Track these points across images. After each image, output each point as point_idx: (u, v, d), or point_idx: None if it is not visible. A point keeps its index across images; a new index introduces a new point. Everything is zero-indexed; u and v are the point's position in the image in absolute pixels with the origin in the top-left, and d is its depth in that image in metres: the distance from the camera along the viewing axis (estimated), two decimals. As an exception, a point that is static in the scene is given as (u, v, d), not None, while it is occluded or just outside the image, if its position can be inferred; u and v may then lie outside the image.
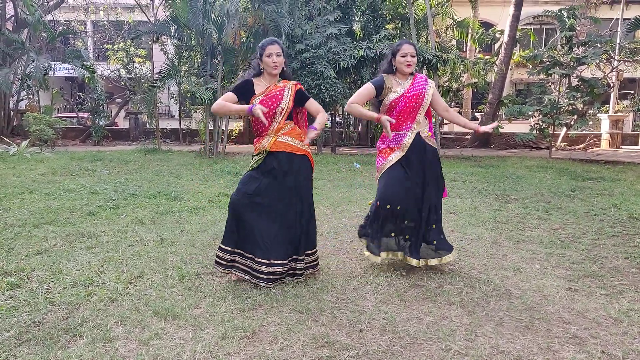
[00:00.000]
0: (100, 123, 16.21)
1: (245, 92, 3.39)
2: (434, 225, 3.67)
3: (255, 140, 3.53)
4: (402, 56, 3.55)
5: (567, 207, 6.00)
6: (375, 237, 3.63)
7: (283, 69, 3.41)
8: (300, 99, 3.48)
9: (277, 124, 3.37)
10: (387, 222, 3.60)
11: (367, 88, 3.63)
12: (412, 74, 3.68)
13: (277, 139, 3.36)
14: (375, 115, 3.66)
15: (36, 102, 16.25)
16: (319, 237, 4.27)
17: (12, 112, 16.35)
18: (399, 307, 3.04)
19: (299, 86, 3.49)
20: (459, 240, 4.58)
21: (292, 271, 3.42)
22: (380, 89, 3.60)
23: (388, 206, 3.56)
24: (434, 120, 12.87)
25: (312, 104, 3.54)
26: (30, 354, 2.40)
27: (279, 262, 3.28)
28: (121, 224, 4.93)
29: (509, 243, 4.49)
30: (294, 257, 3.40)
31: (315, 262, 3.57)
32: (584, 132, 16.84)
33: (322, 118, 3.52)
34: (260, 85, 3.40)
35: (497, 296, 3.23)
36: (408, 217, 3.58)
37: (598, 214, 5.61)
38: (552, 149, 12.87)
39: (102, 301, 3.03)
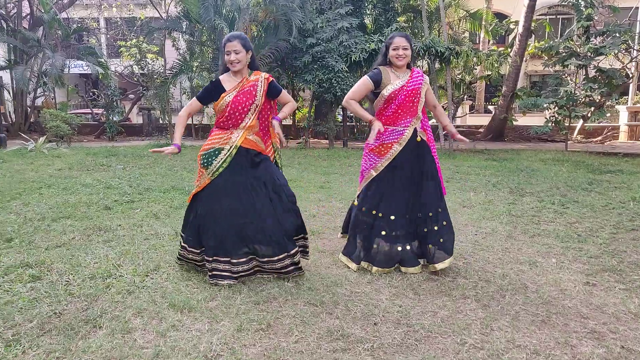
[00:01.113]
0: (114, 119, 16.35)
1: (212, 95, 3.33)
2: (435, 227, 3.52)
3: (216, 131, 3.41)
4: (393, 49, 3.48)
5: (584, 200, 5.93)
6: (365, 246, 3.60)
7: (253, 60, 3.35)
8: (272, 91, 3.44)
9: (250, 120, 3.33)
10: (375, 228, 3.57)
11: (364, 82, 3.55)
12: (409, 67, 3.61)
13: (247, 136, 3.33)
14: (369, 117, 3.55)
15: (52, 99, 16.45)
16: (332, 230, 4.25)
17: (29, 109, 16.56)
18: (414, 301, 3.04)
19: (270, 79, 3.45)
20: (473, 234, 4.55)
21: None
22: (377, 83, 3.51)
23: (374, 212, 3.57)
24: (447, 112, 12.77)
25: (284, 96, 3.53)
26: (53, 344, 2.45)
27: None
28: (136, 217, 4.98)
29: (524, 237, 4.45)
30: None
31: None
32: (601, 124, 16.56)
33: (288, 108, 3.53)
34: (230, 82, 3.33)
35: (513, 290, 3.21)
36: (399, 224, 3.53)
37: (616, 208, 5.53)
38: (568, 142, 12.70)
39: (119, 293, 3.07)
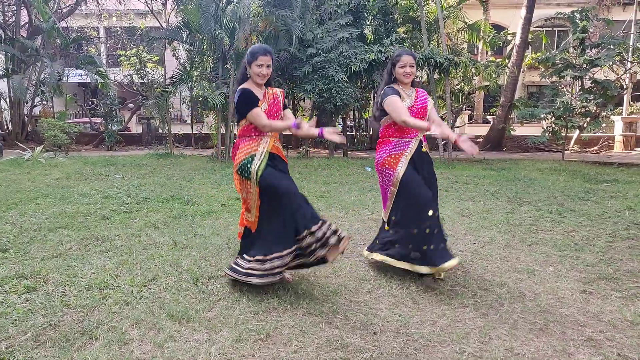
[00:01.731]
0: (113, 128, 16.35)
1: (256, 102, 3.32)
2: (436, 231, 3.52)
3: (244, 141, 3.36)
4: (401, 67, 3.57)
5: (580, 209, 5.95)
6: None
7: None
8: (284, 104, 3.51)
9: None
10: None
11: (398, 99, 3.53)
12: (412, 84, 3.72)
13: (274, 143, 3.39)
14: (425, 125, 3.45)
15: (50, 108, 16.46)
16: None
17: (26, 118, 16.56)
18: (413, 310, 3.04)
19: (284, 93, 3.55)
20: (471, 243, 4.56)
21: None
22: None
23: (430, 212, 3.46)
24: (445, 123, 12.84)
25: (288, 112, 3.55)
26: (47, 356, 2.44)
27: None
28: (135, 227, 4.98)
29: (522, 246, 4.46)
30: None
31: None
32: (597, 134, 16.66)
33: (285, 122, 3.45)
34: (257, 92, 3.34)
35: (511, 299, 3.21)
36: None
37: (612, 217, 5.55)
38: (565, 152, 12.75)
39: (117, 304, 3.06)
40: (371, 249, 3.86)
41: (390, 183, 3.62)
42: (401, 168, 3.58)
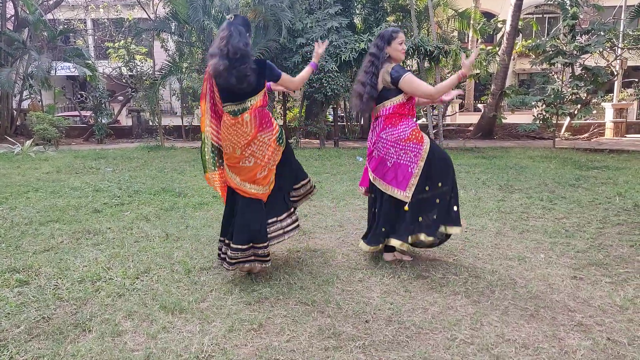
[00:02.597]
0: (103, 121, 16.23)
1: None
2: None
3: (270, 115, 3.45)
4: (399, 43, 3.49)
5: (571, 196, 5.99)
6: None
7: None
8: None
9: None
10: None
11: (414, 76, 3.46)
12: None
13: None
14: (456, 76, 3.38)
15: (39, 102, 16.29)
16: (323, 230, 4.27)
17: (15, 112, 16.41)
18: (405, 298, 3.06)
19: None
20: (463, 231, 4.58)
21: None
22: None
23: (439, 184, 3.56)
24: (436, 112, 12.84)
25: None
26: (41, 349, 2.43)
27: None
28: (126, 220, 4.96)
29: (513, 233, 4.49)
30: None
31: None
32: (587, 121, 16.75)
33: None
34: None
35: (502, 285, 3.24)
36: None
37: (603, 203, 5.60)
38: (556, 139, 12.82)
39: (109, 296, 3.05)
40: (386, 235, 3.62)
41: (419, 158, 3.47)
42: (427, 139, 3.55)
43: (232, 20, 3.22)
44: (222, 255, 3.40)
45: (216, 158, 3.45)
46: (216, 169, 3.46)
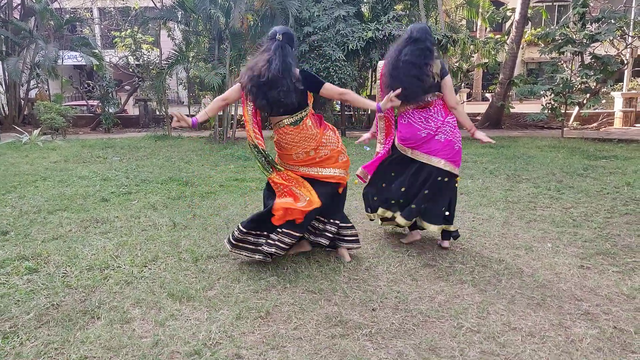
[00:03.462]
0: (110, 110, 16.25)
1: None
2: None
3: None
4: None
5: (579, 186, 5.95)
6: None
7: None
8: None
9: None
10: None
11: None
12: None
13: None
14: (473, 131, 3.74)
15: (46, 91, 16.34)
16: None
17: (22, 101, 16.47)
18: (411, 287, 3.06)
19: None
20: (470, 220, 4.57)
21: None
22: None
23: None
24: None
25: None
26: (50, 335, 2.46)
27: None
28: (134, 209, 4.99)
29: (520, 222, 4.48)
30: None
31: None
32: (596, 110, 16.59)
33: None
34: None
35: (509, 274, 3.24)
36: None
37: (611, 193, 5.56)
38: (564, 129, 12.71)
39: (117, 284, 3.08)
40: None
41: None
42: None
43: (281, 39, 3.17)
44: (264, 248, 3.32)
45: (265, 162, 3.35)
46: (272, 172, 3.36)
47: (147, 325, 2.59)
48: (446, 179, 3.59)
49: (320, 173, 3.34)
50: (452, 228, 3.71)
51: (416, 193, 3.61)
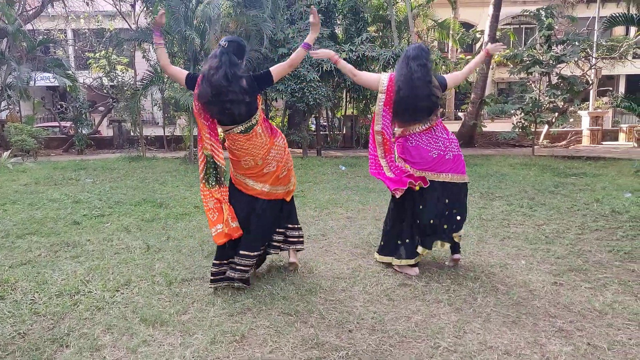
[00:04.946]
0: (83, 132, 16.02)
1: None
2: None
3: None
4: None
5: (550, 203, 6.08)
6: None
7: None
8: None
9: None
10: None
11: None
12: None
13: None
14: (483, 53, 3.89)
15: (17, 112, 16.01)
16: (306, 239, 4.26)
17: (-8, 123, 16.07)
18: (388, 307, 3.05)
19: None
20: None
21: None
22: None
23: None
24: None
25: None
26: (16, 366, 2.37)
27: None
28: (106, 232, 4.88)
29: (494, 240, 4.53)
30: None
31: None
32: (565, 129, 17.08)
33: None
34: None
35: (484, 292, 3.26)
36: None
37: (581, 209, 5.69)
38: (535, 147, 13.02)
39: (88, 310, 2.99)
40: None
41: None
42: None
43: (225, 46, 3.16)
44: (229, 274, 3.29)
45: (215, 174, 3.34)
46: (216, 185, 3.34)
47: (119, 352, 2.51)
48: (464, 189, 3.70)
49: (264, 189, 3.31)
50: (461, 232, 3.75)
51: (445, 214, 3.62)
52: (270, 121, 3.46)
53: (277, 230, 3.53)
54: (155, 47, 3.39)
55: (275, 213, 3.42)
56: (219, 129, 3.37)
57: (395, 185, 3.54)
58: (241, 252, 3.27)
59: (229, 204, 3.32)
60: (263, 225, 3.35)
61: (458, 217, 3.66)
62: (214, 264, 3.32)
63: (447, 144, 3.63)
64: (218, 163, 3.30)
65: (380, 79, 3.62)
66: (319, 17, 3.32)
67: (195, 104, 3.29)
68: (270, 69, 3.31)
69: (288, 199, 3.54)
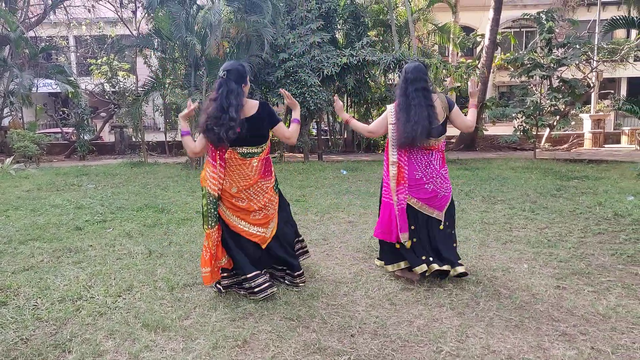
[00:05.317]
0: (85, 138, 16.05)
1: None
2: None
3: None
4: None
5: (553, 206, 6.07)
6: None
7: None
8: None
9: None
10: None
11: None
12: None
13: None
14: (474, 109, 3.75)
15: (20, 119, 16.10)
16: (307, 243, 4.27)
17: (-5, 130, 16.12)
18: (390, 311, 3.05)
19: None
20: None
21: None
22: None
23: None
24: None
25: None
26: (18, 372, 2.37)
27: None
28: (109, 237, 4.89)
29: (496, 244, 4.53)
30: None
31: None
32: (566, 132, 17.06)
33: None
34: None
35: (487, 297, 3.26)
36: None
37: (583, 213, 5.68)
38: (537, 150, 13.01)
39: (90, 315, 2.99)
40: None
41: None
42: None
43: (224, 77, 3.23)
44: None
45: (215, 213, 3.29)
46: (215, 225, 3.30)
47: (121, 357, 2.51)
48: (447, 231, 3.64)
49: (239, 225, 3.33)
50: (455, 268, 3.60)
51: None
52: (257, 160, 3.36)
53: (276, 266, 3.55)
54: (182, 136, 3.46)
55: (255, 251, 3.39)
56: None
57: (382, 236, 3.57)
58: (248, 275, 3.25)
59: (221, 245, 3.33)
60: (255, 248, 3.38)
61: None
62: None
63: (435, 175, 3.54)
64: (212, 193, 3.25)
65: (387, 113, 3.60)
66: (292, 98, 3.53)
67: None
68: (280, 123, 3.40)
69: (263, 246, 3.40)
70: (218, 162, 3.26)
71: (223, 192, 3.29)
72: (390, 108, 3.60)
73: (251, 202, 3.31)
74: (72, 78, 15.66)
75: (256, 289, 3.20)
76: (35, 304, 3.20)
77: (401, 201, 3.48)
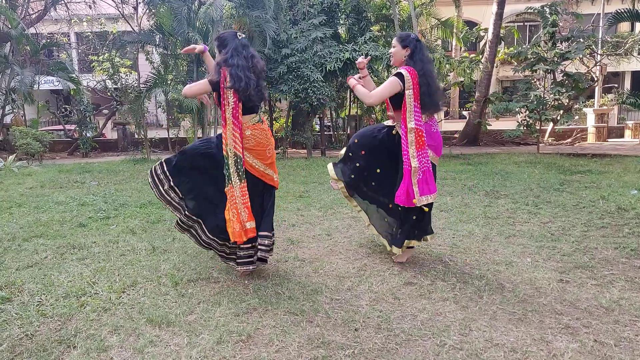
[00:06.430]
0: (88, 135, 16.09)
1: None
2: None
3: None
4: None
5: (556, 200, 6.06)
6: None
7: None
8: None
9: None
10: None
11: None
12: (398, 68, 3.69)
13: None
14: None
15: (22, 116, 16.11)
16: (311, 239, 4.27)
17: (-3, 127, 16.18)
18: (393, 305, 3.05)
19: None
20: (450, 237, 4.60)
21: None
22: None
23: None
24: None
25: None
26: (24, 367, 2.39)
27: None
28: (112, 234, 4.90)
29: (500, 238, 4.52)
30: None
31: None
32: (570, 126, 17.01)
33: None
34: None
35: (490, 290, 3.26)
36: None
37: (587, 207, 5.67)
38: (540, 144, 12.99)
39: (95, 311, 3.01)
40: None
41: (428, 161, 3.67)
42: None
43: (241, 37, 3.51)
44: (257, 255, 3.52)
45: (237, 170, 3.39)
46: (239, 182, 3.37)
47: (126, 352, 2.52)
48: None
49: (272, 176, 3.60)
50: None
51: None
52: (266, 121, 3.72)
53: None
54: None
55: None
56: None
57: (403, 203, 3.63)
58: (261, 233, 3.44)
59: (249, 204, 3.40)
60: (273, 205, 3.63)
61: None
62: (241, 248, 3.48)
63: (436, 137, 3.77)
64: (238, 154, 3.39)
65: (398, 80, 3.51)
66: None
67: (234, 99, 3.38)
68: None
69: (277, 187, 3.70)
70: (239, 120, 3.42)
71: (263, 158, 3.55)
72: (405, 73, 3.51)
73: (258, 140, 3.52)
74: (73, 75, 15.68)
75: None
76: (40, 300, 3.21)
77: (423, 164, 3.58)
